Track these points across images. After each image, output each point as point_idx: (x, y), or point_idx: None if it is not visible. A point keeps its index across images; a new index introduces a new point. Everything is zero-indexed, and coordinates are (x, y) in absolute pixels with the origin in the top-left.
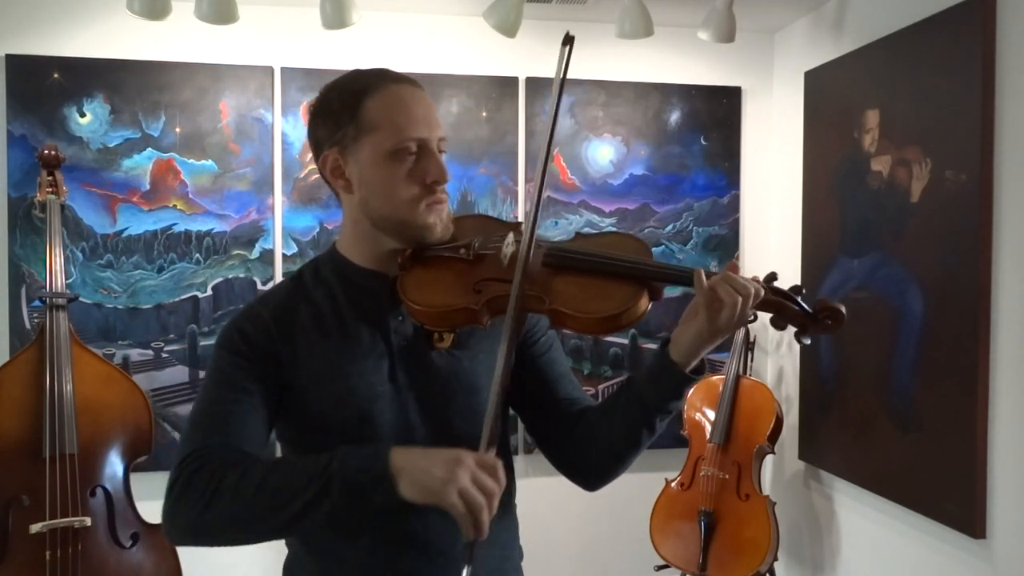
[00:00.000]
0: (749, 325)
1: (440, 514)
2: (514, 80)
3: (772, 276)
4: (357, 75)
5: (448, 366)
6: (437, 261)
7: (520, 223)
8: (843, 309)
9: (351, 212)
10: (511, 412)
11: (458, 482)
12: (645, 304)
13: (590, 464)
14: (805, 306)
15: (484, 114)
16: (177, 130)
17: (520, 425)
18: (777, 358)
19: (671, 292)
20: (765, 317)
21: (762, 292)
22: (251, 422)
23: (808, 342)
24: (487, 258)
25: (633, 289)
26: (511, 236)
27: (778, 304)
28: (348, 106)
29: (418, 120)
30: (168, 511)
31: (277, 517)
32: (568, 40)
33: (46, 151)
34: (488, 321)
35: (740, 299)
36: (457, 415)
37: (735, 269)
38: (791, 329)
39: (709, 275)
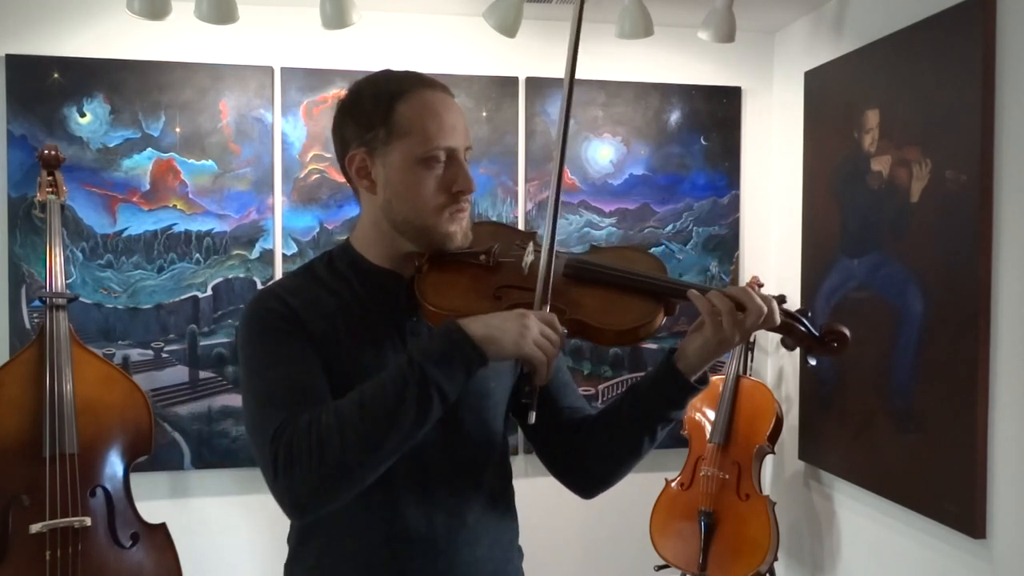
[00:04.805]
0: None
1: (442, 512)
2: (514, 80)
3: (781, 299)
4: (390, 76)
5: None
6: (456, 266)
7: (535, 232)
8: (848, 333)
9: (371, 212)
10: (511, 418)
11: (532, 334)
12: (661, 318)
13: (588, 471)
14: (812, 329)
15: (484, 114)
16: (177, 130)
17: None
18: (777, 358)
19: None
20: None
21: (766, 307)
22: (317, 382)
23: (815, 363)
24: (507, 265)
25: (652, 304)
26: (531, 245)
27: (788, 326)
28: (381, 108)
29: (449, 129)
30: (283, 488)
31: (394, 430)
32: None
33: (46, 151)
34: None
35: (731, 305)
36: (467, 416)
37: (753, 285)
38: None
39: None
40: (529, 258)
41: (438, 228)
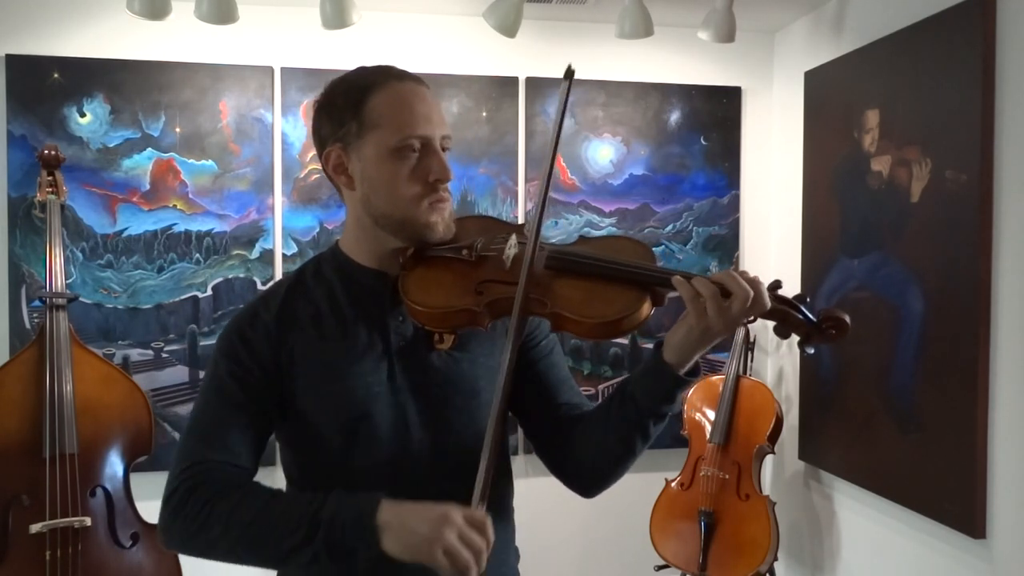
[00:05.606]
0: (748, 325)
1: None
2: (514, 80)
3: (776, 284)
4: (361, 72)
5: (447, 368)
6: (439, 261)
7: (522, 224)
8: (847, 319)
9: (353, 209)
10: (510, 415)
11: (443, 541)
12: (647, 309)
13: (586, 470)
14: (809, 315)
15: (484, 114)
16: (177, 130)
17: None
18: (777, 358)
19: (673, 294)
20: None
21: (752, 292)
22: (247, 436)
23: (812, 351)
24: (489, 259)
25: (636, 294)
26: (514, 238)
27: (782, 313)
28: (352, 103)
29: (421, 118)
30: (164, 522)
31: (262, 555)
32: (569, 74)
33: (46, 151)
34: (489, 323)
35: (715, 290)
36: (456, 417)
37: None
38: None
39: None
40: (511, 251)
41: (418, 219)
